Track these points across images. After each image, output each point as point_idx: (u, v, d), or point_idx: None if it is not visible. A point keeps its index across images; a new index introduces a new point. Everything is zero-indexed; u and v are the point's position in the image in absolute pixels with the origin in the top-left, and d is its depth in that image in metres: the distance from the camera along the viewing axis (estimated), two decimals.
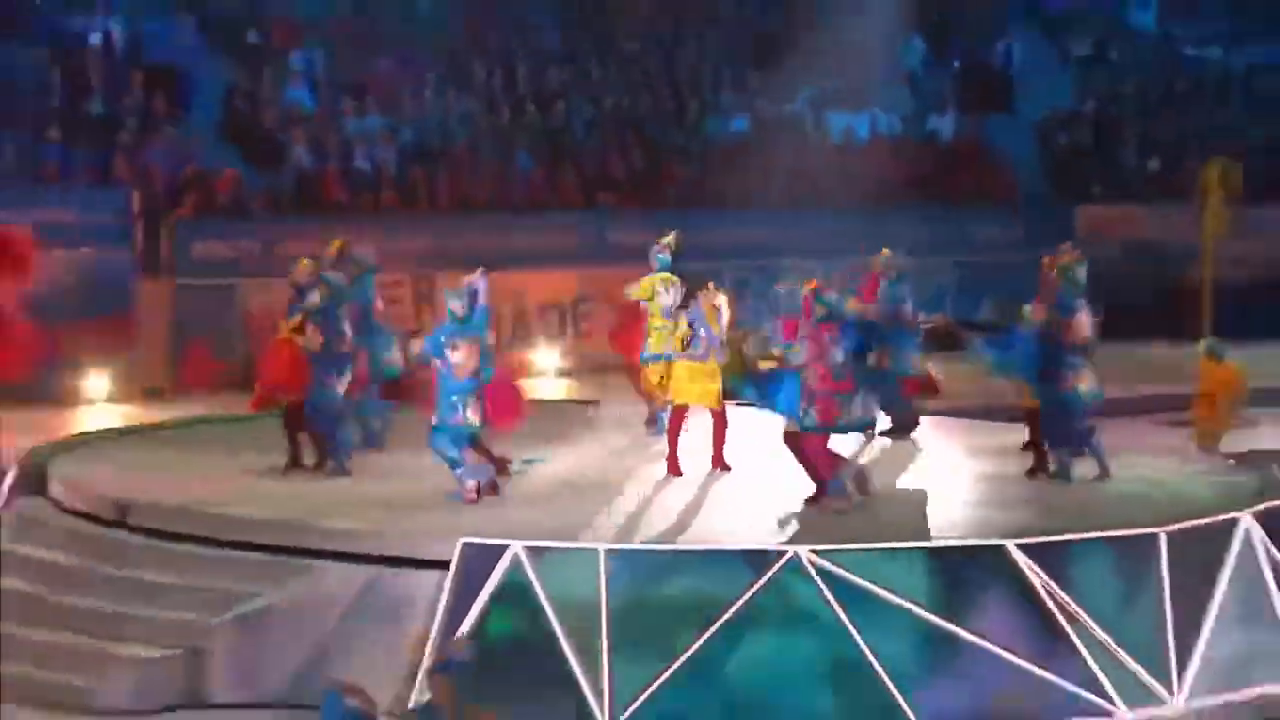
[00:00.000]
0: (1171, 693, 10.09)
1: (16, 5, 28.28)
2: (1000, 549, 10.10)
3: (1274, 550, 10.88)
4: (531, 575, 10.05)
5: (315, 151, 26.40)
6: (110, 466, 13.18)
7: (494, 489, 11.87)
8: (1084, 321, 12.84)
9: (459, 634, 9.88)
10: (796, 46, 31.73)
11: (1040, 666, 9.86)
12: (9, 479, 13.29)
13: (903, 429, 14.64)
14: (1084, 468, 12.73)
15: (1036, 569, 10.01)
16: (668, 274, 15.49)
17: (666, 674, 9.75)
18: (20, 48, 26.84)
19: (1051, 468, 12.43)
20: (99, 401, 21.33)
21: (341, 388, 13.15)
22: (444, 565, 10.27)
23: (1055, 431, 12.58)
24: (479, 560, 10.16)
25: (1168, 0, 35.74)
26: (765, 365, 13.31)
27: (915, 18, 33.31)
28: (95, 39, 27.42)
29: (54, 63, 26.51)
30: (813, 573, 9.83)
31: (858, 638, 9.64)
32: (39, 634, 10.87)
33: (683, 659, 9.73)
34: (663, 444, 14.05)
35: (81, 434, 15.37)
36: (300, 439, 13.19)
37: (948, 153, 30.67)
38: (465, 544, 10.24)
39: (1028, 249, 24.54)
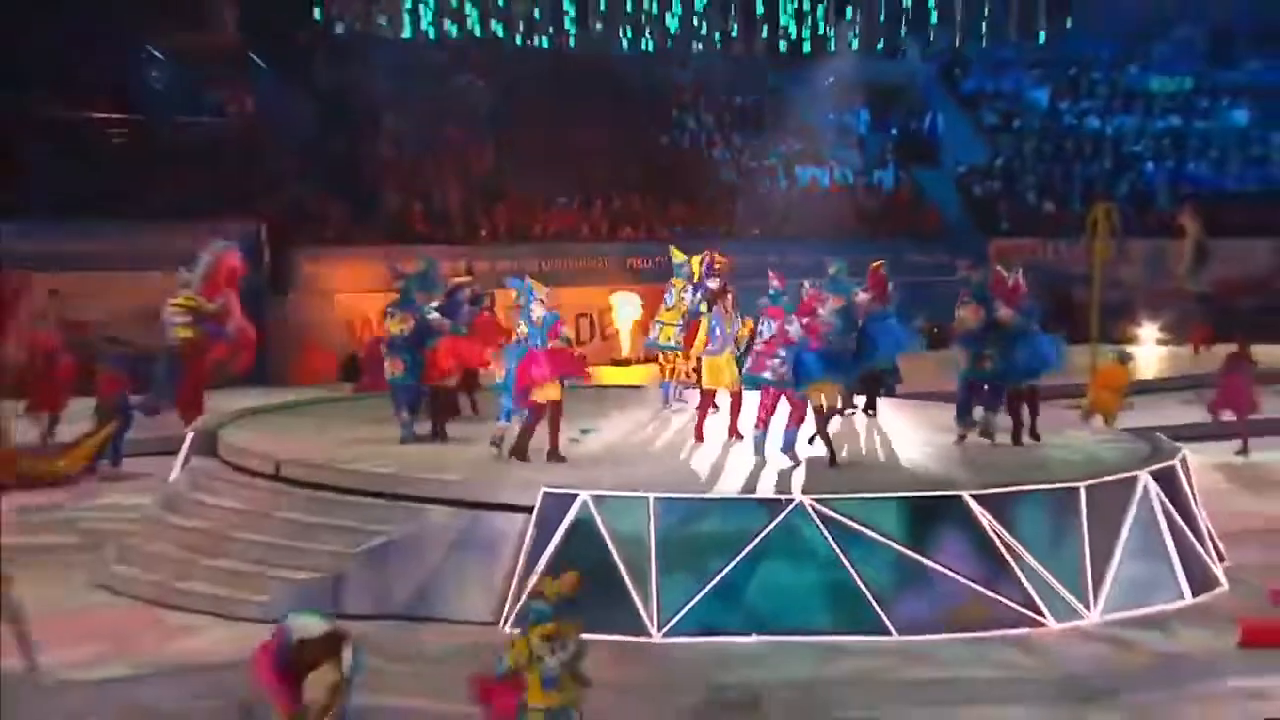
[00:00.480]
0: (1089, 609, 9.97)
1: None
2: (959, 498, 9.95)
3: (1165, 500, 10.60)
4: (596, 516, 9.92)
5: (403, 195, 26.18)
6: (264, 433, 12.72)
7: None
8: (1009, 312, 12.32)
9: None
10: (773, 116, 31.75)
11: (988, 588, 9.73)
12: (187, 444, 12.85)
13: (870, 407, 13.86)
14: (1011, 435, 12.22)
15: (985, 514, 9.87)
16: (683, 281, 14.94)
17: (700, 593, 9.63)
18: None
19: (979, 427, 11.90)
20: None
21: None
22: (528, 509, 10.08)
23: (985, 398, 12.08)
24: (555, 505, 9.95)
25: (1055, 83, 35.41)
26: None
27: (863, 94, 33.16)
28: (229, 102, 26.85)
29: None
30: (813, 516, 9.73)
31: (848, 565, 9.57)
32: (219, 562, 10.59)
33: (713, 582, 9.61)
34: (681, 416, 13.76)
35: (238, 410, 14.60)
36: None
37: (888, 198, 29.99)
38: (545, 492, 10.08)
39: (950, 273, 24.74)
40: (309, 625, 5.35)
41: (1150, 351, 21.55)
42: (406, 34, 33.04)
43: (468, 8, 33.56)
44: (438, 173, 27.59)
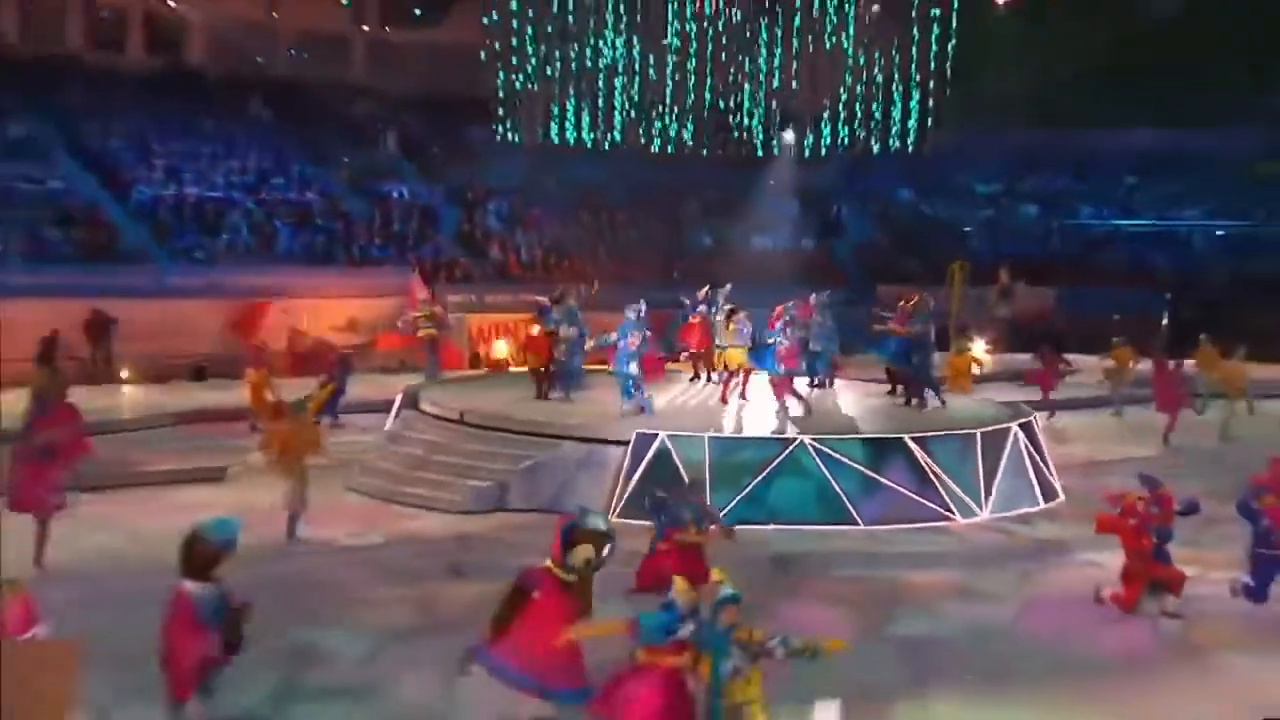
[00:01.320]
0: (981, 510, 9.63)
1: None
2: (901, 439, 9.65)
3: (1026, 442, 10.32)
4: (671, 449, 9.45)
5: (503, 251, 25.41)
6: (448, 394, 12.09)
7: (640, 410, 10.47)
8: (930, 328, 12.20)
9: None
10: (740, 205, 30.43)
11: (920, 496, 9.43)
12: (398, 401, 12.19)
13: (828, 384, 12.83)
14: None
15: (918, 448, 9.57)
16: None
17: (737, 499, 9.10)
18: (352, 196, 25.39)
19: (914, 401, 11.53)
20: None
21: (580, 360, 11.71)
22: (625, 444, 9.65)
23: (916, 384, 11.72)
24: (643, 442, 9.52)
25: (917, 185, 34.43)
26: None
27: (795, 190, 31.76)
28: (396, 193, 26.08)
29: (374, 208, 25.12)
30: (810, 449, 9.38)
31: (831, 480, 9.21)
32: (427, 474, 10.17)
33: (745, 491, 9.20)
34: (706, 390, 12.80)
35: (418, 383, 13.52)
36: (542, 383, 11.58)
37: (811, 259, 28.70)
38: (638, 434, 9.61)
39: (859, 308, 22.77)
40: (596, 520, 4.75)
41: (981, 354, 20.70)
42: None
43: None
44: (525, 238, 26.77)
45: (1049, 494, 10.31)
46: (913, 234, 32.43)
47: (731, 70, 32.91)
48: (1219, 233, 29.91)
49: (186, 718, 4.78)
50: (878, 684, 5.56)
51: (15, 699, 3.40)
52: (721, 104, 33.17)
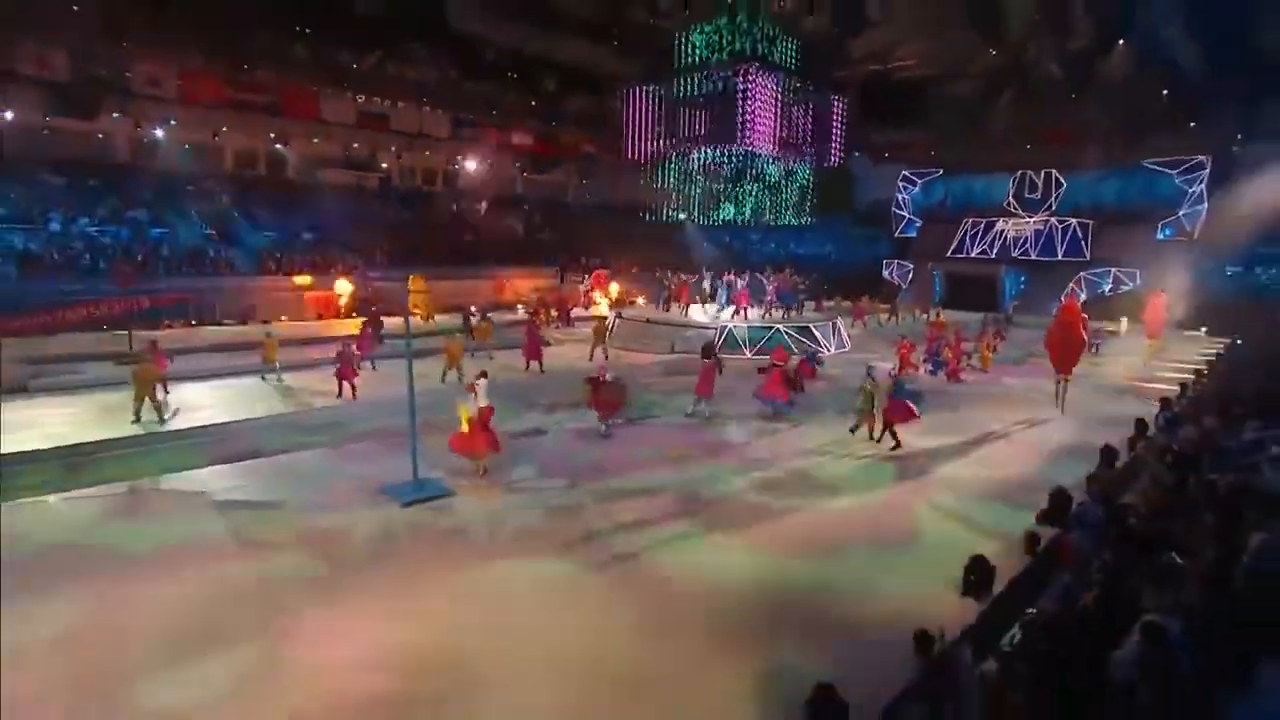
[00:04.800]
0: (831, 351, 21.22)
1: None
2: (776, 329, 21.60)
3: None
4: (731, 330, 21.02)
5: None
6: (635, 311, 23.14)
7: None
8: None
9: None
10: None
11: (803, 339, 22.10)
12: (612, 316, 23.70)
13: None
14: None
15: (792, 333, 23.33)
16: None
17: (760, 342, 20.33)
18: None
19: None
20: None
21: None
22: (717, 328, 21.26)
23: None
24: (720, 327, 21.23)
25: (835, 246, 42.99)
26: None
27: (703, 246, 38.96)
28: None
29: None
30: (780, 330, 21.45)
31: (785, 337, 22.39)
32: (637, 341, 21.21)
33: (761, 342, 20.76)
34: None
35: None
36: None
37: None
38: (721, 325, 21.08)
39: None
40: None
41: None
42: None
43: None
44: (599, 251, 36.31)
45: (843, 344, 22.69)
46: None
47: None
48: None
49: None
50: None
51: None
52: None
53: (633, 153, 28.13)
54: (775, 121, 25.78)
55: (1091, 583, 6.34)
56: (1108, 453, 11.25)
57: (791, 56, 27.01)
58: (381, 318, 21.69)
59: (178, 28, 26.00)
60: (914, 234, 41.85)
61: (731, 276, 26.09)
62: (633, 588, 7.73)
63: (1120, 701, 4.53)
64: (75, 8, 23.56)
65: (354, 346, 15.76)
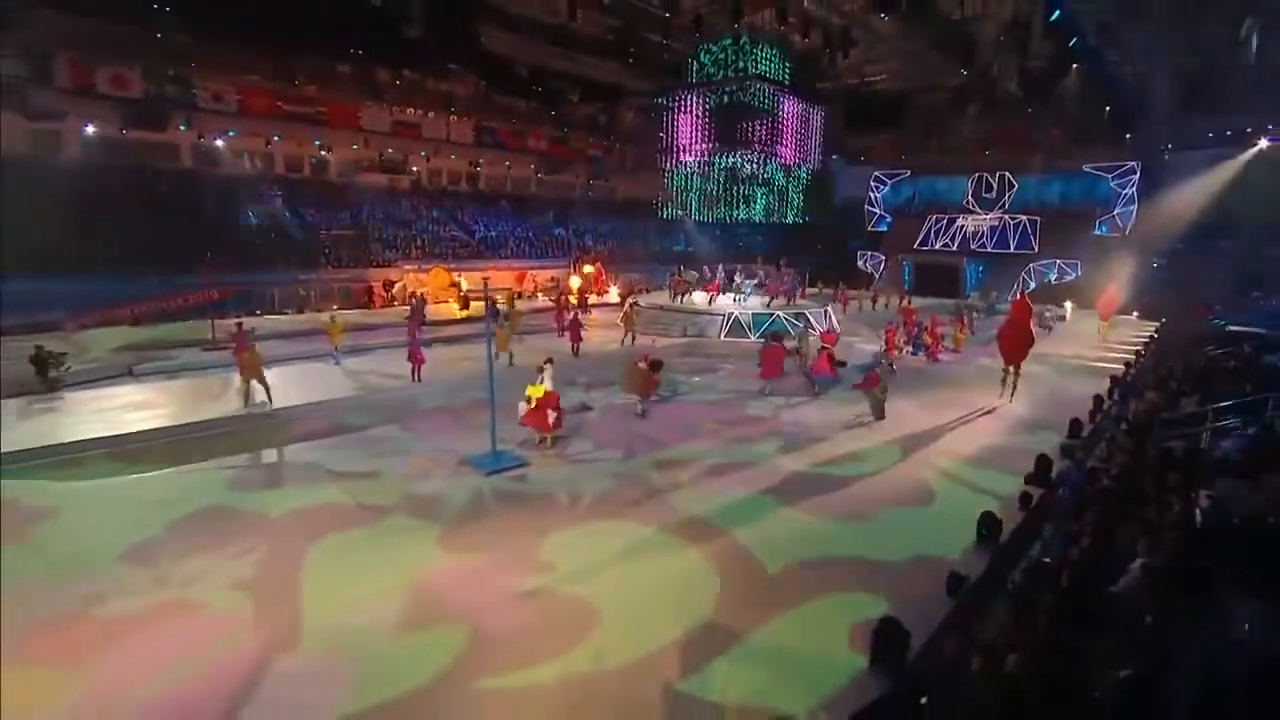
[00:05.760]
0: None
1: None
2: (776, 315, 22.32)
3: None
4: (738, 314, 21.48)
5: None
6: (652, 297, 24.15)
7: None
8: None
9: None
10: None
11: (796, 321, 23.26)
12: (630, 300, 24.38)
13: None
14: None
15: (787, 317, 24.04)
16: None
17: (764, 327, 21.97)
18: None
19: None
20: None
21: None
22: (725, 314, 21.65)
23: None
24: (728, 312, 21.88)
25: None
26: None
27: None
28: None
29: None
30: (738, 315, 22.57)
31: (784, 322, 22.95)
32: (653, 326, 22.19)
33: (766, 325, 21.84)
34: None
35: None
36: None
37: None
38: (728, 312, 21.88)
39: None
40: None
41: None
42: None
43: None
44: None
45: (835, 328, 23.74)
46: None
47: None
48: None
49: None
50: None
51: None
52: None
53: (675, 155, 29.66)
54: (787, 129, 26.86)
55: (1081, 533, 6.78)
56: (1075, 425, 12.08)
57: (784, 72, 28.02)
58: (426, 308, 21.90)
59: (238, 51, 26.68)
60: (885, 229, 41.99)
61: (759, 269, 27.18)
62: (707, 542, 8.08)
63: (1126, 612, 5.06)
64: (155, 35, 24.38)
65: (410, 331, 15.76)
